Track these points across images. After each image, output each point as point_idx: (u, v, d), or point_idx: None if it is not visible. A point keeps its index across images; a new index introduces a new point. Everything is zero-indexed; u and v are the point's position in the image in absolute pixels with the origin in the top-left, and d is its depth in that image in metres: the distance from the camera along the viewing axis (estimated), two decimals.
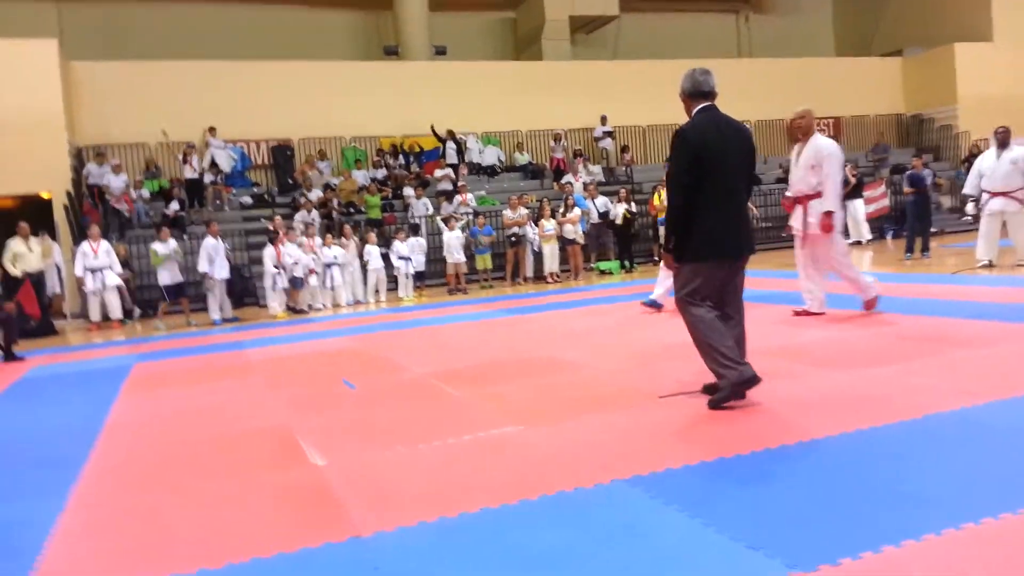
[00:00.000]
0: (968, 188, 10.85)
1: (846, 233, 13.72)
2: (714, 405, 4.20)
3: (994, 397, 3.99)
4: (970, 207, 10.66)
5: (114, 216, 15.10)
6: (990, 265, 10.00)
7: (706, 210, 4.20)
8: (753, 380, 4.13)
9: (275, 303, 12.34)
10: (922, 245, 12.34)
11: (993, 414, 3.76)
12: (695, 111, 4.37)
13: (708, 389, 4.40)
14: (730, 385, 4.15)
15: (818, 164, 6.90)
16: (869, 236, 16.66)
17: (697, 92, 4.37)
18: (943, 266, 11.02)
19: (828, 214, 6.84)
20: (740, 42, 26.43)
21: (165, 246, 12.22)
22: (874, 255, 14.38)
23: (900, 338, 5.83)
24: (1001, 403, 3.91)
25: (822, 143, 6.99)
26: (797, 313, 7.25)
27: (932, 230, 12.88)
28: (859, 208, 16.49)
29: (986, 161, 10.34)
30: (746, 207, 4.42)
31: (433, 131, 18.24)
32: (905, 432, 3.60)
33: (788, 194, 7.35)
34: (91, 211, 14.55)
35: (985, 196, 10.22)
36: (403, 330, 9.30)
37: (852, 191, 16.23)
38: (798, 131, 7.16)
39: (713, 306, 4.27)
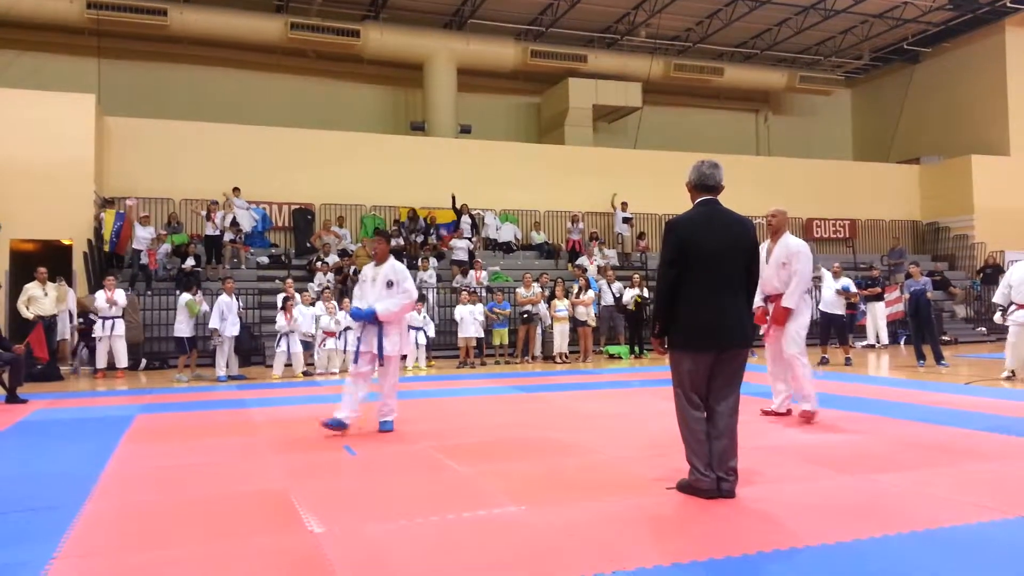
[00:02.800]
0: (998, 297, 10.89)
1: (827, 334, 13.70)
2: (679, 487, 4.34)
3: (1010, 514, 3.89)
4: (997, 316, 10.69)
5: (141, 268, 15.26)
6: (1012, 376, 9.96)
7: (694, 300, 4.24)
8: (707, 494, 4.18)
9: (280, 364, 12.35)
10: (935, 353, 12.26)
11: (1008, 531, 3.66)
12: (695, 203, 4.45)
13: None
14: (688, 485, 4.28)
15: (788, 262, 6.87)
16: (886, 340, 16.59)
17: (702, 185, 4.44)
18: (957, 375, 10.92)
19: (786, 308, 6.80)
20: (759, 140, 26.97)
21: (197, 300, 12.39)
22: (889, 360, 14.28)
23: (909, 445, 5.73)
24: (1018, 520, 3.80)
25: (791, 241, 6.98)
26: (765, 412, 7.15)
27: (945, 338, 12.83)
28: (879, 311, 16.48)
29: (1016, 273, 10.37)
30: (741, 299, 4.35)
31: (453, 201, 18.50)
32: (914, 543, 3.50)
33: (758, 301, 6.93)
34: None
35: (1013, 307, 10.24)
36: (409, 400, 9.21)
37: (875, 295, 16.30)
38: (770, 229, 7.13)
39: (701, 399, 4.27)
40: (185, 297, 12.33)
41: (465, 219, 18.51)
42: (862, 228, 23.43)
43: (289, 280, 13.54)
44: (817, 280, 15.23)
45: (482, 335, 14.21)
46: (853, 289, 13.84)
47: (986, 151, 22.87)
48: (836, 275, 13.51)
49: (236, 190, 17.45)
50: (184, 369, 12.31)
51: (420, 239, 18.34)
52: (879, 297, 16.50)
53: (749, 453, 5.14)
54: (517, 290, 14.80)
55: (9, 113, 15.47)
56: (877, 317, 16.53)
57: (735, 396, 4.34)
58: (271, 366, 13.34)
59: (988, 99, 23.30)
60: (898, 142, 25.91)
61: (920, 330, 12.53)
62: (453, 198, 18.52)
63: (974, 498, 4.18)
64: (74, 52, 19.46)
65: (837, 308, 13.38)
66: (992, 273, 20.98)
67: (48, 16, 18.35)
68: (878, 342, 16.56)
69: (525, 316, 14.52)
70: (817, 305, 13.36)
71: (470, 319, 13.94)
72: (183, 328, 12.22)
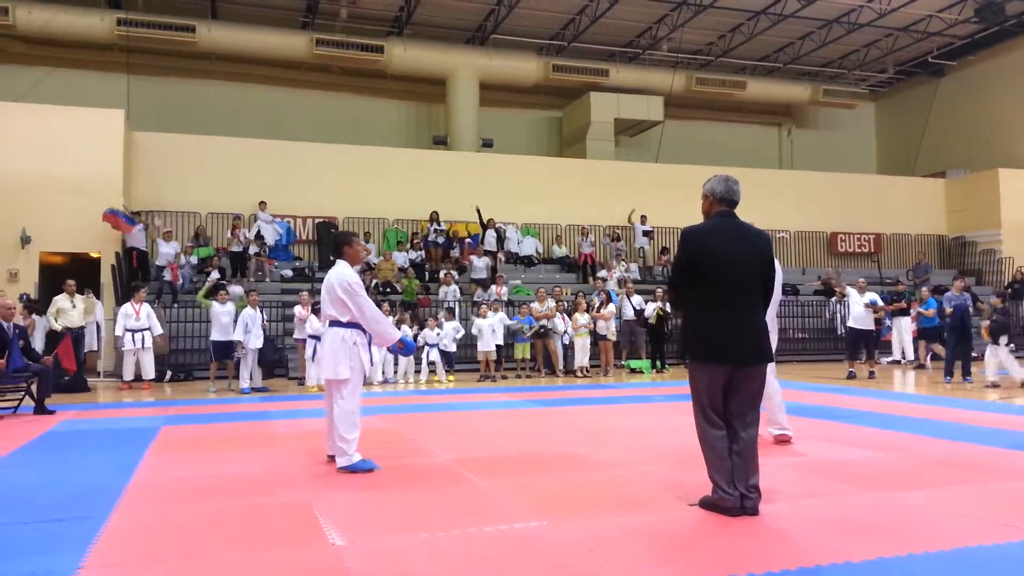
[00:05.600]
0: None
1: (855, 349, 13.62)
2: (702, 504, 4.33)
3: None
4: None
5: (166, 283, 15.46)
6: None
7: (711, 312, 4.23)
8: (731, 512, 4.15)
9: (313, 375, 12.30)
10: (963, 370, 12.10)
11: None
12: (713, 214, 4.43)
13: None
14: (711, 503, 4.26)
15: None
16: (912, 356, 16.37)
17: (725, 198, 4.42)
18: (984, 392, 10.77)
19: None
20: (782, 153, 26.85)
21: (222, 306, 12.45)
22: (915, 376, 14.10)
23: (935, 463, 5.66)
24: None
25: None
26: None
27: (972, 355, 12.69)
28: (905, 326, 16.27)
29: None
30: (759, 314, 4.29)
31: (478, 213, 18.55)
32: (939, 563, 3.46)
33: None
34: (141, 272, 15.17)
35: None
36: (430, 413, 9.26)
37: (901, 310, 16.13)
38: None
39: (720, 416, 4.24)
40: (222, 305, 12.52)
41: (490, 233, 18.60)
42: (887, 242, 23.22)
43: (304, 294, 13.44)
44: (842, 295, 15.13)
45: (501, 342, 14.23)
46: (880, 303, 13.77)
47: (1013, 165, 22.60)
48: (862, 290, 13.45)
49: (262, 204, 17.67)
50: (217, 380, 12.45)
51: (441, 240, 18.41)
52: (905, 312, 16.31)
53: (772, 470, 5.11)
54: (531, 305, 14.78)
55: (40, 128, 15.78)
56: (903, 332, 16.32)
57: (755, 413, 4.30)
58: (295, 378, 13.48)
59: (1015, 112, 23.06)
60: (923, 156, 25.67)
61: (960, 344, 12.31)
62: (479, 211, 18.59)
63: (1001, 517, 4.12)
64: (104, 68, 19.87)
65: (866, 323, 13.33)
66: (1020, 288, 20.64)
67: (79, 33, 18.75)
68: (904, 358, 16.35)
69: (540, 331, 14.51)
70: (843, 321, 13.26)
71: (489, 332, 13.97)
72: (215, 332, 12.34)
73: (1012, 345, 11.59)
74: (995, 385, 11.21)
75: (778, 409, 6.49)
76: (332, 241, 5.97)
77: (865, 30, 21.93)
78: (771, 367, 6.45)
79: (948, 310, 12.70)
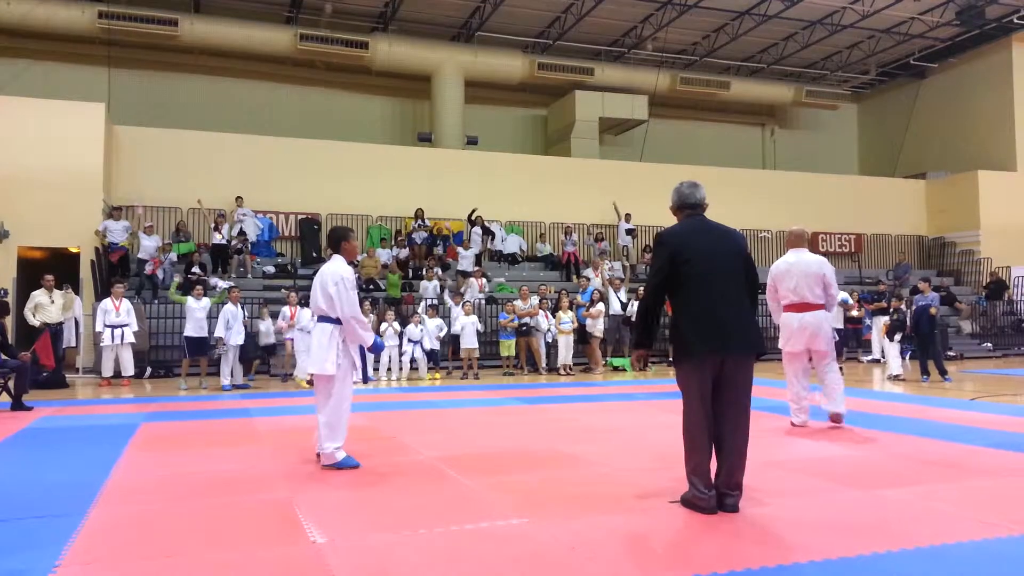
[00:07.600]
0: None
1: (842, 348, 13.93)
2: (683, 501, 4.34)
3: (1016, 531, 3.87)
4: None
5: (147, 278, 15.31)
6: None
7: (694, 308, 4.24)
8: (704, 511, 4.17)
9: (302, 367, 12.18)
10: (938, 369, 12.24)
11: (1014, 548, 3.64)
12: (681, 220, 4.49)
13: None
14: (688, 501, 4.28)
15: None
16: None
17: (684, 205, 4.48)
18: (962, 391, 10.88)
19: None
20: (765, 154, 27.00)
21: (197, 301, 12.34)
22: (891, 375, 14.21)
23: (914, 461, 5.71)
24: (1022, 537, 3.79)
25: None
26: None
27: (951, 354, 12.87)
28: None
29: None
30: (744, 305, 4.32)
31: (469, 218, 18.63)
32: (918, 560, 3.49)
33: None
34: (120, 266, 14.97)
35: None
36: (412, 411, 9.23)
37: (881, 309, 16.32)
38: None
39: (709, 415, 4.22)
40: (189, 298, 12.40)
41: (476, 230, 18.60)
42: (868, 243, 23.42)
43: (292, 295, 13.33)
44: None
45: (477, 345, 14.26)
46: (851, 302, 14.07)
47: (993, 167, 22.87)
48: None
49: (239, 199, 17.56)
50: (187, 377, 12.33)
51: (425, 235, 18.38)
52: (884, 312, 16.46)
53: (753, 468, 5.12)
54: (515, 302, 14.78)
55: (19, 121, 15.57)
56: (882, 332, 16.48)
57: (744, 413, 4.29)
58: (276, 375, 13.42)
59: (995, 115, 23.32)
60: (904, 157, 25.91)
61: (924, 346, 12.50)
62: (470, 215, 18.65)
63: (980, 514, 4.17)
64: (85, 62, 19.64)
65: (836, 322, 13.52)
66: (996, 288, 20.90)
67: (60, 26, 18.52)
68: (883, 357, 16.49)
69: (523, 329, 14.51)
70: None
71: (470, 330, 13.95)
72: (189, 328, 12.23)
73: (907, 344, 12.89)
74: (897, 377, 12.61)
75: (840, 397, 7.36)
76: (332, 235, 5.98)
77: (848, 32, 22.09)
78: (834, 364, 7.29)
79: (910, 310, 12.98)
